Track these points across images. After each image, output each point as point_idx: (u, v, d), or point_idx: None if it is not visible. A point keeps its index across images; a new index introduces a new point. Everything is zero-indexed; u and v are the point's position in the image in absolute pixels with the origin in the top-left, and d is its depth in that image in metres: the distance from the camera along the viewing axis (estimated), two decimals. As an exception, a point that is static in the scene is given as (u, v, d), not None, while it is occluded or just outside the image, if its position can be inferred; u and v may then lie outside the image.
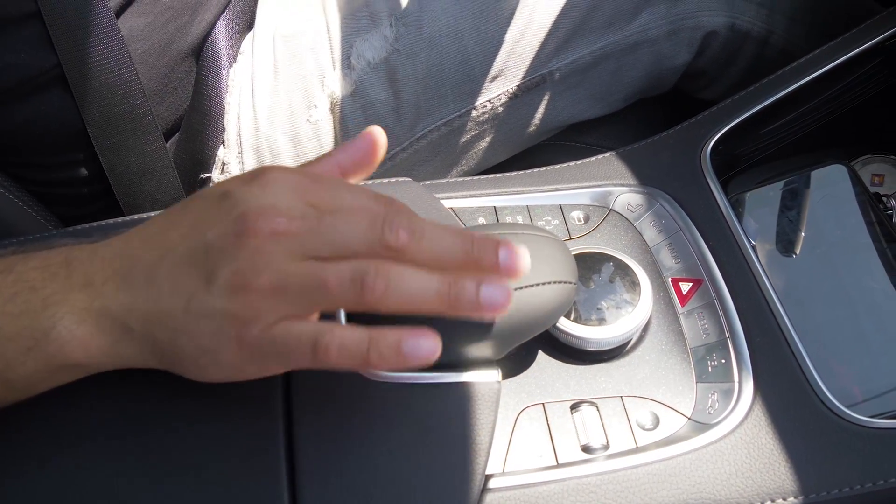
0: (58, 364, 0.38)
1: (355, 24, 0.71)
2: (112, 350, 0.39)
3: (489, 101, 0.72)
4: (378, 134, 0.43)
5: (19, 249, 0.41)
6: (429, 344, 0.37)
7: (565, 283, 0.44)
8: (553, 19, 0.70)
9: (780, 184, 0.59)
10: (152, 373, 0.40)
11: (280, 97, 0.72)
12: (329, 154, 0.43)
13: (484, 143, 0.76)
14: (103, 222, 0.54)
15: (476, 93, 0.72)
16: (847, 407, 0.46)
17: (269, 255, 0.36)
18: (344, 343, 0.36)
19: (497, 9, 0.70)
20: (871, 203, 0.57)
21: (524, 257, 0.38)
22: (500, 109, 0.73)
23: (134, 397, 0.42)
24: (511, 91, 0.72)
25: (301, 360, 0.37)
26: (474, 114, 0.73)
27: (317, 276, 0.36)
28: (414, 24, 0.70)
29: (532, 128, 0.76)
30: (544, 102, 0.74)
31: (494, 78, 0.72)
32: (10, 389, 0.39)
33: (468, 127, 0.74)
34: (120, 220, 0.54)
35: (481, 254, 0.37)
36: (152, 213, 0.54)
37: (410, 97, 0.71)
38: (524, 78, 0.72)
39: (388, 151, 0.72)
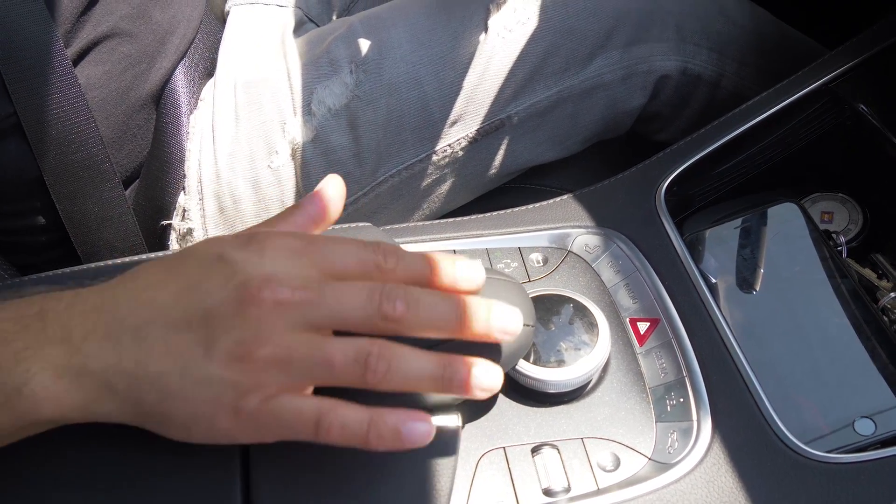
0: (29, 420, 0.37)
1: (316, 70, 0.72)
2: (88, 408, 0.38)
3: (449, 145, 0.73)
4: (339, 182, 0.44)
5: None
6: (426, 427, 0.38)
7: (525, 325, 0.45)
8: (510, 65, 0.72)
9: (734, 222, 0.60)
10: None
11: (241, 144, 0.72)
12: (299, 207, 0.43)
13: (445, 187, 0.76)
14: (69, 270, 0.53)
15: (436, 137, 0.73)
16: (804, 443, 0.47)
17: (271, 325, 0.37)
18: (346, 423, 0.38)
19: (455, 55, 0.72)
20: (821, 239, 0.58)
21: (514, 320, 0.40)
22: (461, 153, 0.74)
23: (91, 439, 0.42)
24: (470, 135, 0.73)
25: (301, 435, 0.38)
26: (434, 158, 0.74)
27: (322, 353, 0.37)
28: (374, 70, 0.71)
29: (492, 171, 0.77)
30: (503, 146, 0.75)
31: (454, 123, 0.73)
32: None
33: (429, 171, 0.74)
34: (85, 267, 0.54)
35: (473, 320, 0.39)
36: (118, 261, 0.53)
37: (371, 143, 0.72)
38: (483, 122, 0.73)
39: (349, 196, 0.73)
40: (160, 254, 0.54)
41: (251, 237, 0.39)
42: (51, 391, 0.37)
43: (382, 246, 0.40)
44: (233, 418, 0.37)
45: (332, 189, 0.44)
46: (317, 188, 0.44)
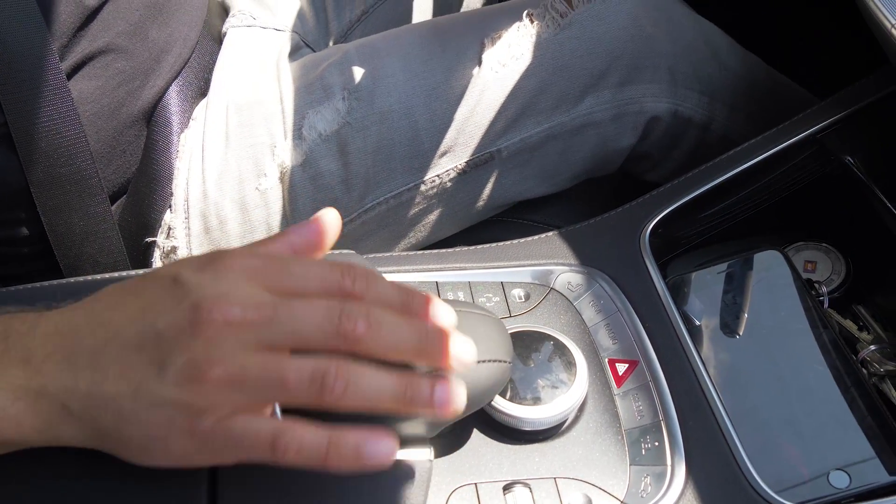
0: None
1: (309, 95, 0.72)
2: (47, 430, 0.38)
3: (438, 175, 0.73)
4: (332, 216, 0.43)
5: None
6: (388, 446, 0.38)
7: (500, 361, 0.44)
8: (502, 100, 0.72)
9: (718, 267, 0.60)
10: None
11: (230, 164, 0.72)
12: (282, 234, 0.43)
13: (432, 218, 0.76)
14: (47, 283, 0.53)
15: (425, 167, 0.73)
16: (776, 492, 0.47)
17: (224, 345, 0.36)
18: (303, 444, 0.37)
19: (448, 87, 0.72)
20: (804, 288, 0.58)
21: (470, 352, 0.40)
22: (449, 185, 0.74)
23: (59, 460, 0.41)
24: (460, 167, 0.74)
25: (257, 456, 0.37)
26: (423, 188, 0.74)
27: (276, 372, 0.36)
28: (366, 98, 0.71)
29: (480, 203, 0.77)
30: (492, 179, 0.75)
31: (444, 154, 0.73)
32: None
33: (416, 201, 0.74)
34: (64, 281, 0.53)
35: (433, 346, 0.39)
36: (98, 277, 0.53)
37: (360, 169, 0.72)
38: (473, 155, 0.74)
39: None
40: (140, 271, 0.54)
41: (210, 258, 0.39)
42: (9, 412, 0.37)
43: (354, 269, 0.40)
44: (188, 440, 0.37)
45: (318, 222, 0.43)
46: (312, 218, 0.43)
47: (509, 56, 0.73)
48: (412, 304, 0.40)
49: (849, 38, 0.90)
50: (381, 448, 0.37)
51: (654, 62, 0.74)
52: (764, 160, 0.61)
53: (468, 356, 0.40)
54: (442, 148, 0.73)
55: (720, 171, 0.61)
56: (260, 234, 0.73)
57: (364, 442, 0.37)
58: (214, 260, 0.39)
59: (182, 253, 0.73)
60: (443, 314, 0.41)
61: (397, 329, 0.38)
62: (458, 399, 0.39)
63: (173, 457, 0.38)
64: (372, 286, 0.40)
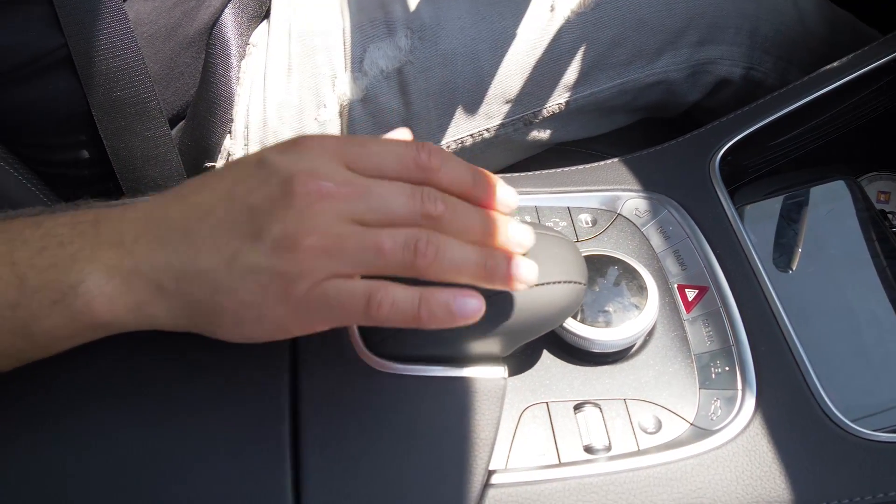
0: (82, 321, 0.38)
1: (371, 30, 0.71)
2: (139, 309, 0.38)
3: (502, 125, 0.72)
4: (408, 135, 0.45)
5: (47, 210, 0.41)
6: (476, 303, 0.39)
7: (575, 283, 0.44)
8: (574, 50, 0.70)
9: (788, 196, 0.59)
10: (161, 341, 0.40)
11: (291, 94, 0.71)
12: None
13: (492, 159, 0.76)
14: (127, 200, 0.53)
15: (490, 115, 0.72)
16: (851, 420, 0.46)
17: (317, 216, 0.37)
18: (396, 299, 0.38)
19: (516, 33, 0.70)
20: (875, 220, 0.57)
21: (529, 236, 0.41)
22: (512, 132, 0.73)
23: (143, 364, 0.42)
24: (525, 117, 0.72)
25: (352, 316, 0.38)
26: (486, 136, 0.73)
27: (373, 240, 0.38)
28: (430, 39, 0.70)
29: (541, 145, 0.76)
30: (557, 127, 0.74)
31: (509, 103, 0.71)
32: (32, 344, 0.39)
33: (479, 147, 0.74)
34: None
35: (499, 233, 0.41)
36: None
37: (421, 111, 0.71)
38: (539, 106, 0.72)
39: None
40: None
41: (291, 141, 0.40)
42: (104, 290, 0.37)
43: (427, 145, 0.41)
44: (282, 305, 0.37)
45: (397, 134, 0.45)
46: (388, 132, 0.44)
47: (584, 4, 0.70)
48: (480, 180, 0.41)
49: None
50: (469, 303, 0.39)
51: (737, 23, 0.71)
52: (839, 87, 0.60)
53: (527, 241, 0.41)
54: (507, 97, 0.71)
55: (794, 98, 0.59)
56: (317, 166, 0.73)
57: (453, 298, 0.38)
58: (296, 142, 0.40)
59: (241, 178, 0.73)
60: (509, 197, 0.42)
61: (470, 214, 0.40)
62: (530, 274, 0.40)
63: (266, 325, 0.38)
64: (445, 160, 0.41)
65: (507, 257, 0.40)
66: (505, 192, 0.42)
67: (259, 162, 0.39)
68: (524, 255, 0.41)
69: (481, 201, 0.41)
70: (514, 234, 0.41)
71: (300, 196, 0.37)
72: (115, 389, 0.42)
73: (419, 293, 0.38)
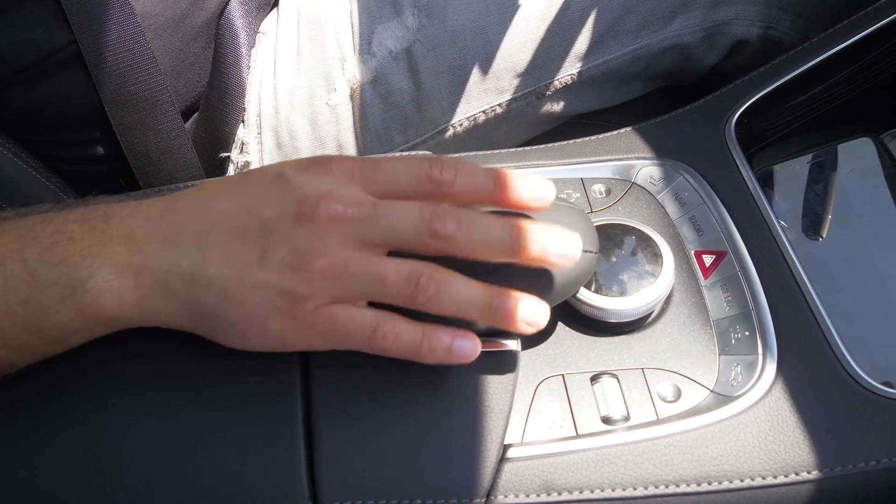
0: (91, 316, 0.39)
1: (378, 11, 0.71)
2: (146, 306, 0.39)
3: (514, 99, 0.71)
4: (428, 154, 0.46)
5: (56, 206, 0.42)
6: (474, 346, 0.40)
7: (587, 251, 0.43)
8: (584, 19, 0.69)
9: (807, 157, 0.58)
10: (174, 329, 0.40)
11: (301, 79, 0.71)
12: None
13: (507, 132, 0.75)
14: (139, 192, 0.54)
15: (501, 90, 0.71)
16: (877, 382, 0.45)
17: (327, 238, 0.38)
18: (401, 333, 0.39)
19: (525, 5, 0.69)
20: (900, 177, 0.55)
21: (573, 245, 0.40)
22: (526, 107, 0.72)
23: (157, 350, 0.43)
24: (538, 90, 0.71)
25: (354, 342, 0.39)
26: (499, 111, 0.72)
27: (376, 268, 0.38)
28: (437, 16, 0.69)
29: (554, 117, 0.75)
30: (571, 99, 0.73)
31: (521, 76, 0.70)
32: (43, 339, 0.39)
33: (492, 123, 0.73)
34: (156, 190, 0.54)
35: (529, 243, 0.39)
36: (181, 185, 0.54)
37: (432, 90, 0.70)
38: (552, 77, 0.71)
39: (409, 142, 0.72)
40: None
41: (312, 160, 0.40)
42: (112, 285, 0.38)
43: (440, 158, 0.40)
44: (287, 321, 0.38)
45: None
46: None
47: None
48: (500, 184, 0.40)
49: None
50: (469, 346, 0.40)
51: None
52: (858, 41, 0.58)
53: (571, 250, 0.40)
54: (519, 70, 0.70)
55: (811, 56, 0.58)
56: (330, 150, 0.73)
57: (454, 339, 0.40)
58: (315, 161, 0.40)
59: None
60: (542, 190, 0.40)
61: (489, 228, 0.39)
62: (537, 317, 0.40)
63: (269, 338, 0.39)
64: (461, 171, 0.40)
65: (514, 299, 0.39)
66: (534, 187, 0.40)
67: (276, 176, 0.39)
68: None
69: (506, 203, 0.41)
70: (550, 241, 0.40)
71: (311, 217, 0.38)
72: (130, 376, 0.42)
73: (423, 330, 0.39)
